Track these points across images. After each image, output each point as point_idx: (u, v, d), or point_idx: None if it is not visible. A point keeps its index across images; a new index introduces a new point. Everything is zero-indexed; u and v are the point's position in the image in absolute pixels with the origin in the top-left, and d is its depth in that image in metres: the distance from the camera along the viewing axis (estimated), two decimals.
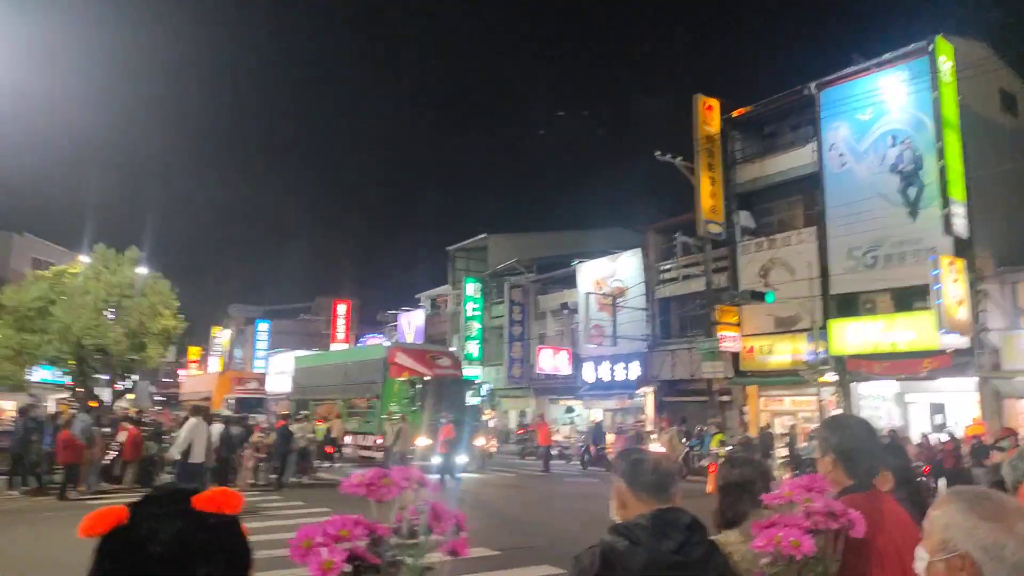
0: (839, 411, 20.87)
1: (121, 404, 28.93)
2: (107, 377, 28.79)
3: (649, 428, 26.42)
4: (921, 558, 1.49)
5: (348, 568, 1.23)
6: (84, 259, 29.27)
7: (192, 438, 13.22)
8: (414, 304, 46.97)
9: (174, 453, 13.63)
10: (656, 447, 20.50)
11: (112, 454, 16.60)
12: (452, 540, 1.35)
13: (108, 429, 17.76)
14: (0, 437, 17.48)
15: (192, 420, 13.80)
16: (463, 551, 1.36)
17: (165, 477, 17.17)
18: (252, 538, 1.05)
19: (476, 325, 37.72)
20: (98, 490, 15.40)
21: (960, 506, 1.45)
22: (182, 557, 0.93)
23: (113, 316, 26.41)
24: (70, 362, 26.83)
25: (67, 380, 28.85)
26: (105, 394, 28.76)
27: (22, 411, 16.97)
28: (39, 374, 30.33)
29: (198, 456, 13.27)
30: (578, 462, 25.57)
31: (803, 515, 1.65)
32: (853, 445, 2.26)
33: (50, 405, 25.68)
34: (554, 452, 25.71)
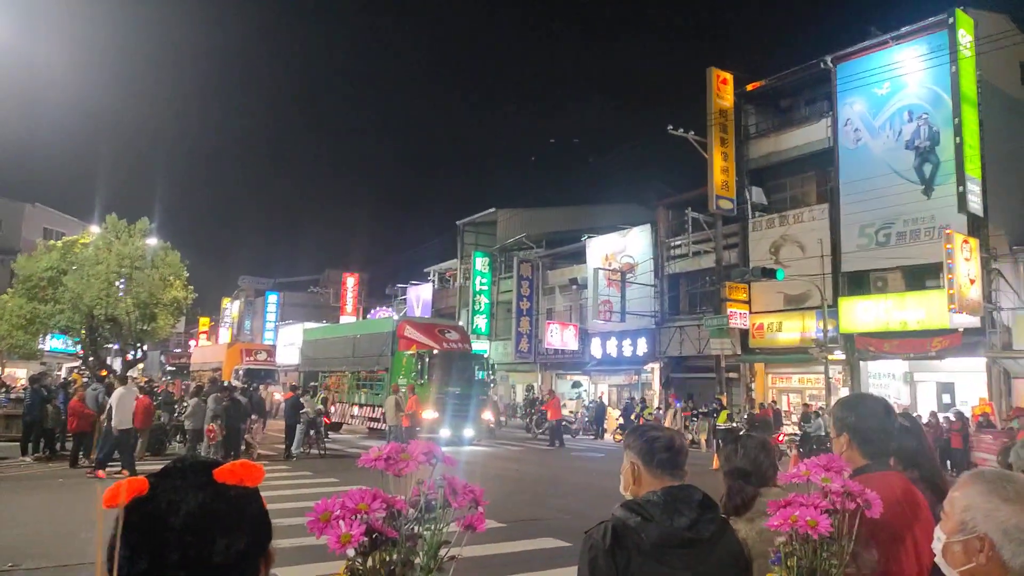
0: (846, 389, 20.86)
1: (131, 374, 29.22)
2: (118, 347, 29.05)
3: (657, 404, 26.61)
4: (939, 538, 1.48)
5: (365, 541, 1.23)
6: (95, 229, 29.38)
7: (118, 406, 13.51)
8: (423, 278, 47.03)
9: (104, 420, 13.95)
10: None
11: None
12: (469, 515, 1.35)
13: None
14: (13, 405, 17.72)
15: (120, 389, 14.10)
16: (480, 526, 1.36)
17: (176, 446, 17.42)
18: None
19: (484, 299, 37.75)
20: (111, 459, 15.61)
21: (981, 488, 1.43)
22: (203, 529, 0.93)
23: (123, 287, 26.55)
24: (81, 332, 27.04)
25: (78, 349, 29.12)
26: (116, 364, 29.05)
27: (32, 380, 17.20)
28: (51, 343, 30.62)
29: (125, 423, 13.59)
30: (588, 436, 26.00)
31: (820, 495, 1.65)
32: (869, 424, 2.24)
33: (63, 374, 25.98)
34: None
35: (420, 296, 45.32)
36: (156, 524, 0.92)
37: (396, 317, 31.95)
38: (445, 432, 20.33)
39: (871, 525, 1.75)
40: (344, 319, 48.12)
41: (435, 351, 22.71)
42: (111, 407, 13.58)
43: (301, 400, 18.40)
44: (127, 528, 0.92)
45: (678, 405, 24.53)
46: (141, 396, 16.84)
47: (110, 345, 28.97)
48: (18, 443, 16.05)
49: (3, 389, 20.28)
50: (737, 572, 1.93)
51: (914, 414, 18.60)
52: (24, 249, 32.23)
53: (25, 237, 38.68)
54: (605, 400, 29.71)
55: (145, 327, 27.21)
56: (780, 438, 16.90)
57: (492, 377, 25.99)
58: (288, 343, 45.39)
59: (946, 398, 20.32)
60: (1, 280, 31.75)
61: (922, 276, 20.20)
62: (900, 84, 21.02)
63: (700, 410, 23.45)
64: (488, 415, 23.63)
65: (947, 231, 18.37)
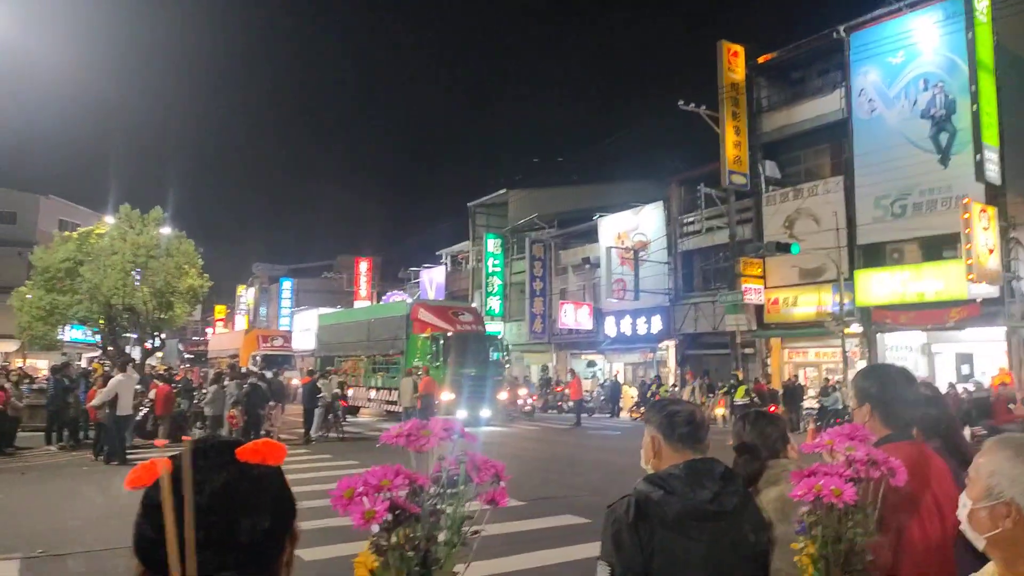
0: (863, 362, 20.73)
1: (150, 362, 29.56)
2: (136, 336, 29.34)
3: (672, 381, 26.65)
4: (964, 505, 1.47)
5: (389, 517, 1.23)
6: (109, 220, 29.58)
7: (117, 392, 13.58)
8: (435, 261, 47.08)
9: (96, 404, 13.96)
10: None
11: (144, 410, 17.01)
12: (491, 490, 1.35)
13: (139, 387, 18.17)
14: (35, 395, 17.97)
15: (119, 376, 14.18)
16: (502, 501, 1.36)
17: (196, 432, 17.62)
18: None
19: (497, 281, 37.75)
20: (131, 445, 15.82)
21: (1007, 453, 1.41)
22: (227, 508, 0.92)
23: (140, 276, 26.75)
24: (100, 321, 27.31)
25: (97, 339, 29.45)
26: (135, 353, 29.37)
27: (54, 370, 17.43)
28: (70, 334, 30.97)
29: (125, 409, 13.69)
30: (604, 415, 26.17)
31: (844, 463, 1.63)
32: (891, 394, 2.22)
33: (83, 364, 26.32)
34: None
35: (433, 279, 45.41)
36: (181, 504, 0.92)
37: (410, 300, 32.09)
38: (461, 413, 20.46)
39: (896, 494, 1.74)
40: (358, 304, 48.36)
41: (449, 333, 22.80)
42: (108, 392, 13.55)
43: (318, 384, 18.56)
44: (151, 508, 0.92)
45: (695, 384, 24.52)
46: (161, 384, 17.10)
47: (128, 334, 29.27)
48: (42, 433, 16.31)
49: (26, 380, 20.54)
50: (760, 544, 1.92)
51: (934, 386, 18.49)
52: (40, 241, 32.56)
53: (41, 229, 39.06)
54: (620, 379, 29.74)
55: (162, 316, 27.45)
56: (773, 409, 16.87)
57: (507, 358, 26.09)
58: (304, 329, 45.70)
59: (965, 369, 20.17)
60: (20, 272, 32.09)
61: (939, 247, 19.97)
62: (915, 52, 20.64)
63: (719, 388, 23.38)
64: (528, 398, 23.87)
65: (965, 200, 18.12)
